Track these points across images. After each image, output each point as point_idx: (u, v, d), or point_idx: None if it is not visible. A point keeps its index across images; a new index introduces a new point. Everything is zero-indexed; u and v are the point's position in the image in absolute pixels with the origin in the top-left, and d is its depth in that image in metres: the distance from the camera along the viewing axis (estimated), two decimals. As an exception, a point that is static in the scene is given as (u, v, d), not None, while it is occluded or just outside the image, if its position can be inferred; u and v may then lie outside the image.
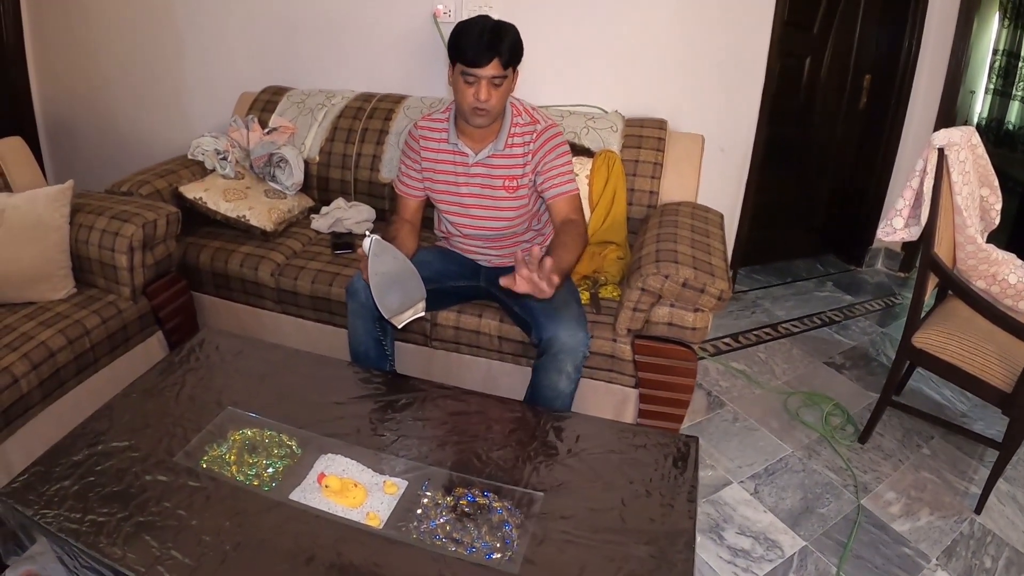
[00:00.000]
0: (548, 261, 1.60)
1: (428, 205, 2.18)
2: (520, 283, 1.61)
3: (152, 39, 3.45)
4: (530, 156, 1.98)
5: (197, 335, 2.07)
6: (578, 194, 1.99)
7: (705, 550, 1.99)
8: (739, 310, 3.41)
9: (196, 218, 2.66)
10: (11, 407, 1.92)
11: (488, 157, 1.99)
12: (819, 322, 3.35)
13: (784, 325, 3.29)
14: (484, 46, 1.76)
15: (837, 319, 3.40)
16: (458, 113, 1.95)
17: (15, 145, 2.58)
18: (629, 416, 2.18)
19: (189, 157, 2.85)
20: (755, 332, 3.21)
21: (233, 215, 2.60)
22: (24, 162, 2.58)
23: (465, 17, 2.57)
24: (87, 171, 3.73)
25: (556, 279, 1.63)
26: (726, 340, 3.12)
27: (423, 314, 1.87)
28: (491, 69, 1.78)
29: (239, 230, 2.63)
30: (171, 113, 3.56)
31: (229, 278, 2.54)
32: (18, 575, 1.77)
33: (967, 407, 2.73)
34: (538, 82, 2.78)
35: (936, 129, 2.41)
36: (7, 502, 1.44)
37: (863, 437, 2.48)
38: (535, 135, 1.97)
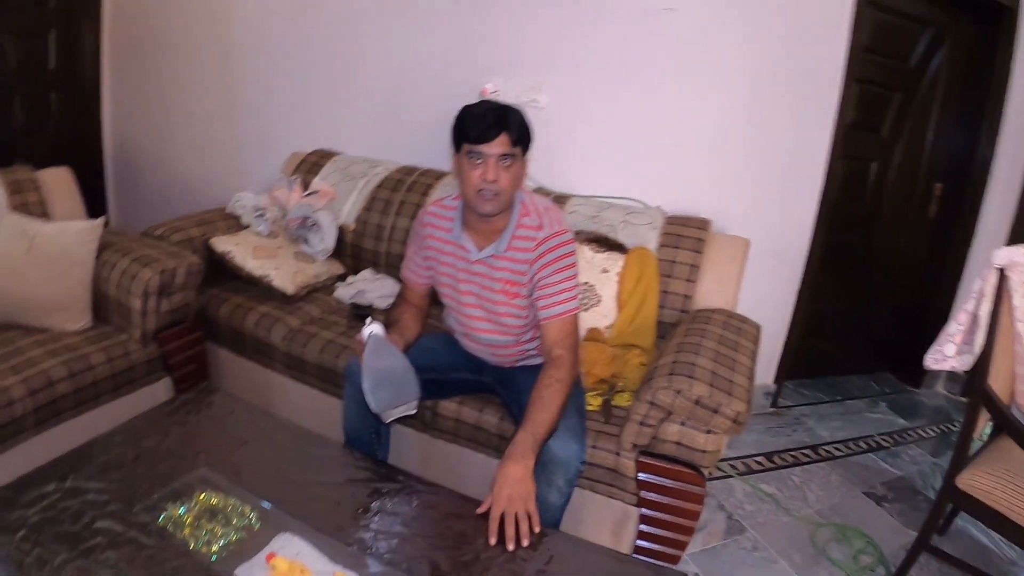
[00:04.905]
0: (495, 500, 1.57)
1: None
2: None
3: (216, 94, 3.58)
4: (529, 264, 1.83)
5: (196, 389, 2.04)
6: (575, 316, 1.84)
7: None
8: (779, 426, 3.19)
9: (224, 271, 2.65)
10: (3, 427, 1.93)
11: (490, 257, 1.86)
12: (865, 447, 3.10)
13: (826, 447, 3.06)
14: (491, 122, 1.67)
15: (886, 444, 3.14)
16: (465, 204, 1.84)
17: (62, 175, 2.66)
18: (628, 535, 2.01)
19: (227, 211, 2.86)
20: (793, 452, 2.98)
21: (258, 273, 2.58)
22: (67, 193, 2.64)
23: (514, 97, 2.55)
24: (147, 210, 3.85)
25: (526, 491, 1.58)
26: (759, 459, 2.91)
27: (413, 412, 1.78)
28: (499, 145, 1.68)
29: (262, 288, 2.60)
30: (227, 165, 3.66)
31: (244, 335, 2.51)
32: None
33: (1017, 555, 2.44)
34: (579, 172, 2.72)
35: (1009, 244, 2.21)
36: None
37: (894, 583, 2.23)
38: (536, 244, 1.81)
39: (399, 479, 1.72)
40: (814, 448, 3.04)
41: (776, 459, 2.92)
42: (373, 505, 1.63)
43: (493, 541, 1.51)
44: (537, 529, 1.55)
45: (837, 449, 3.05)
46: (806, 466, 2.89)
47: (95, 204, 3.53)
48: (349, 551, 1.47)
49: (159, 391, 2.40)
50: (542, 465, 1.70)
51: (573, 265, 1.84)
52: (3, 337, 2.15)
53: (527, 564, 1.48)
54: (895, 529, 2.54)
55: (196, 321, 2.53)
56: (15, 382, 1.96)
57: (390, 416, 1.73)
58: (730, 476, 2.74)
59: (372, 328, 1.72)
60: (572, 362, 1.79)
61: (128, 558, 1.39)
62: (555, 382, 1.73)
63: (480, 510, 1.59)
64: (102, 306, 2.35)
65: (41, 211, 2.48)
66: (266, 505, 1.57)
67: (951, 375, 3.69)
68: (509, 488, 1.56)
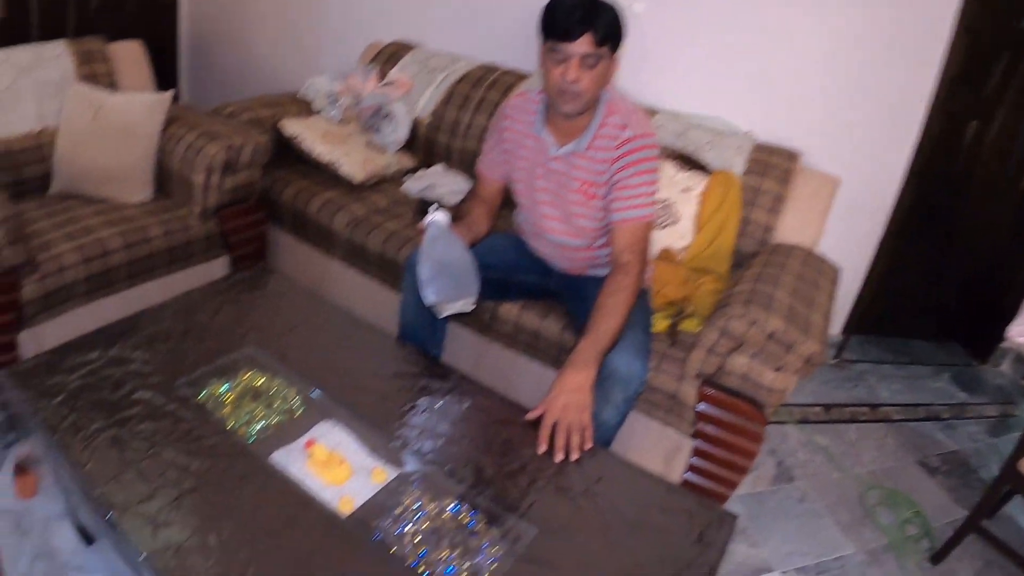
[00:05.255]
0: (549, 408, 1.52)
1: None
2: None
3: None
4: (609, 164, 1.72)
5: (253, 268, 2.01)
6: (648, 224, 1.74)
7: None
8: (840, 380, 3.06)
9: (291, 156, 2.60)
10: (55, 292, 1.92)
11: (570, 155, 1.76)
12: (924, 415, 2.96)
13: (885, 409, 2.93)
14: (576, 19, 1.54)
15: (945, 416, 3.00)
16: (548, 99, 1.73)
17: (133, 49, 2.61)
18: (678, 467, 1.95)
19: (300, 95, 2.80)
20: (851, 408, 2.87)
21: (326, 159, 2.52)
22: (137, 66, 2.59)
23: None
24: (218, 90, 3.81)
25: (584, 403, 1.52)
26: (816, 409, 2.80)
27: (470, 309, 1.69)
28: (582, 45, 1.55)
29: (329, 175, 2.55)
30: (303, 51, 3.58)
31: (307, 220, 2.47)
32: (17, 455, 1.84)
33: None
34: (670, 86, 2.57)
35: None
36: (11, 382, 1.44)
37: (937, 557, 2.13)
38: (618, 143, 1.70)
39: (451, 378, 1.67)
40: (872, 408, 2.92)
41: (833, 412, 2.81)
42: (421, 402, 1.58)
43: (542, 449, 1.46)
44: (589, 445, 1.49)
45: (896, 413, 2.92)
46: (862, 424, 2.78)
47: (167, 81, 3.51)
48: (391, 447, 1.43)
49: (215, 269, 2.39)
50: (601, 380, 1.63)
51: (654, 171, 1.73)
52: (62, 205, 2.14)
53: (574, 481, 1.42)
54: (944, 503, 2.43)
55: (259, 202, 2.50)
56: (69, 249, 1.95)
57: (445, 311, 1.65)
58: (786, 422, 2.65)
59: (435, 216, 1.64)
60: (640, 271, 1.70)
61: (164, 431, 1.37)
62: (621, 290, 1.64)
63: (530, 416, 1.53)
64: (164, 180, 2.33)
65: (109, 83, 2.44)
66: (311, 391, 1.54)
67: (1020, 356, 3.50)
68: (566, 397, 1.50)
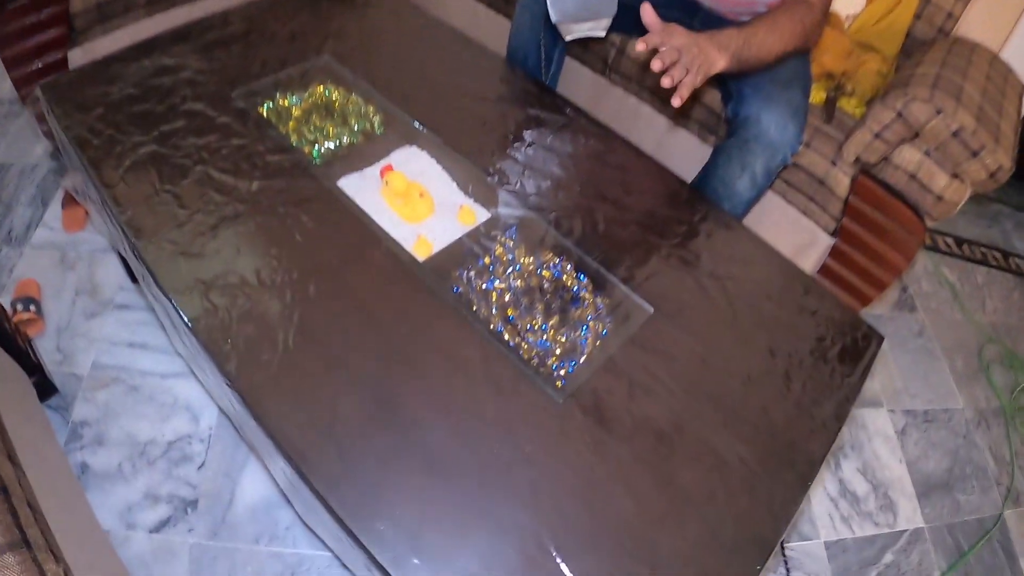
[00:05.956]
0: (676, 30, 1.09)
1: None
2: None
3: None
4: None
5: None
6: None
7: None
8: (976, 215, 2.66)
9: None
10: (108, 2, 1.62)
11: None
12: (1057, 278, 2.61)
13: (1017, 260, 2.56)
14: None
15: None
16: None
17: None
18: (807, 266, 1.65)
19: None
20: (983, 248, 2.51)
21: None
22: None
23: None
24: None
25: (715, 56, 1.11)
26: (948, 239, 2.45)
27: (601, 35, 1.36)
28: None
29: None
30: None
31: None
32: (65, 184, 1.71)
33: None
34: None
35: None
36: (47, 96, 1.19)
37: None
38: None
39: (566, 111, 1.36)
40: (1005, 255, 2.55)
41: (965, 248, 2.46)
42: (528, 134, 1.28)
43: (657, 66, 1.07)
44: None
45: (1027, 267, 2.57)
46: (992, 270, 2.43)
47: None
48: (486, 183, 1.15)
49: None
50: (743, 142, 1.32)
51: None
52: None
53: (702, 256, 1.14)
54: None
55: None
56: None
57: (573, 32, 1.33)
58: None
59: None
60: (822, 17, 1.33)
61: (212, 148, 1.12)
62: (797, 20, 1.26)
63: (644, 44, 1.11)
64: None
65: None
66: (394, 109, 1.25)
67: None
68: (697, 40, 1.12)
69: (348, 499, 0.78)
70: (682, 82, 1.07)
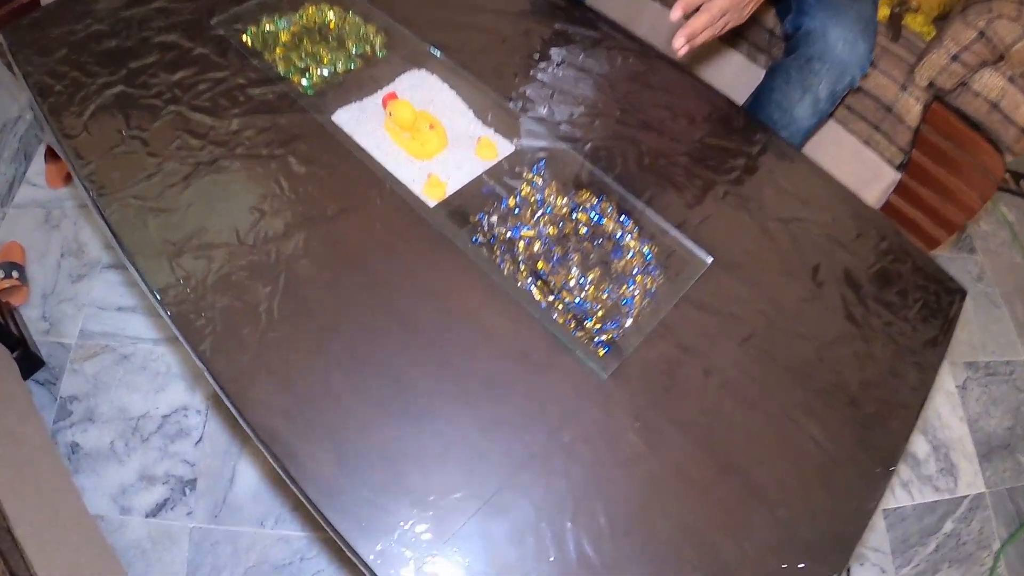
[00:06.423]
0: None
1: None
2: None
3: None
4: None
5: None
6: None
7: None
8: (1032, 148, 2.47)
9: None
10: None
11: None
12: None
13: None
14: None
15: None
16: None
17: None
18: (871, 203, 1.47)
19: None
20: (1044, 187, 2.31)
21: None
22: None
23: None
24: None
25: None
26: (1006, 175, 2.25)
27: None
28: None
29: None
30: None
31: None
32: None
33: None
34: None
35: None
36: (10, 40, 1.02)
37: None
38: None
39: (600, 27, 1.16)
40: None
41: (1023, 185, 2.26)
42: (554, 52, 1.09)
43: (676, 16, 0.89)
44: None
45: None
46: (1053, 212, 2.24)
47: None
48: (507, 109, 0.97)
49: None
50: (804, 61, 1.13)
51: None
52: None
53: (766, 197, 0.96)
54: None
55: None
56: None
57: None
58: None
59: None
60: None
61: (186, 85, 0.95)
62: None
63: (682, 8, 0.89)
64: None
65: None
66: (398, 28, 1.06)
67: None
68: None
69: (349, 511, 0.63)
70: (700, 34, 0.89)
